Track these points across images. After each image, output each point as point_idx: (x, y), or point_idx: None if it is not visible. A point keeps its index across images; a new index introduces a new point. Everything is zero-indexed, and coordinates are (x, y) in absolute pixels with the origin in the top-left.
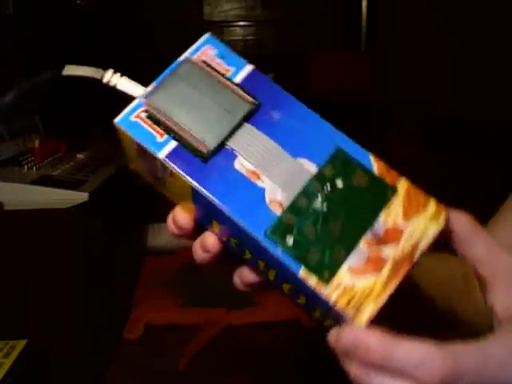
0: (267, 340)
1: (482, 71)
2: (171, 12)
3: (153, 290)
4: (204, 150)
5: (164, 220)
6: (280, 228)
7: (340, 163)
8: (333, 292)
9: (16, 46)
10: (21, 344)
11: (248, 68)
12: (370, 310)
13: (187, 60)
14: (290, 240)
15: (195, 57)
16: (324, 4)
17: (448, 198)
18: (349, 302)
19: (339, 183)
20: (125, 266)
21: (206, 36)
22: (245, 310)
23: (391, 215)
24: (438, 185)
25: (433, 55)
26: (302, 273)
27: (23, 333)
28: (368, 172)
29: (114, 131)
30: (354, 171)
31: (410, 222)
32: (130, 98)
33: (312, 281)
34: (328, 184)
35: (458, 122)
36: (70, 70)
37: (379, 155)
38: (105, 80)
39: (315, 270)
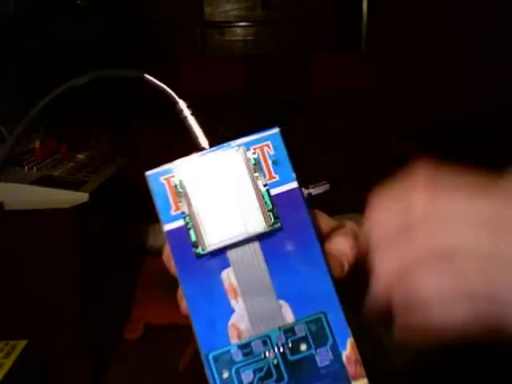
0: None
1: (483, 71)
2: (171, 12)
3: (153, 290)
4: (200, 250)
5: None
6: (223, 359)
7: (315, 329)
8: None
9: (16, 46)
10: (21, 344)
11: (292, 185)
12: None
13: (238, 149)
14: (225, 374)
15: (251, 148)
16: (324, 4)
17: None
18: None
19: (303, 347)
20: (125, 266)
21: (274, 131)
22: None
23: None
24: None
25: (433, 55)
26: None
27: (23, 333)
28: (336, 353)
29: (115, 133)
30: (323, 345)
31: None
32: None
33: None
34: (291, 342)
35: (458, 122)
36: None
37: (379, 155)
38: (178, 107)
39: None
